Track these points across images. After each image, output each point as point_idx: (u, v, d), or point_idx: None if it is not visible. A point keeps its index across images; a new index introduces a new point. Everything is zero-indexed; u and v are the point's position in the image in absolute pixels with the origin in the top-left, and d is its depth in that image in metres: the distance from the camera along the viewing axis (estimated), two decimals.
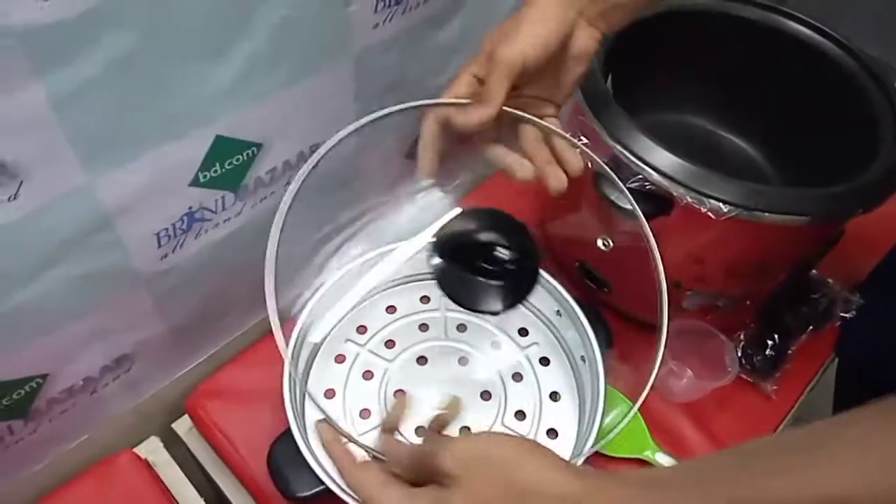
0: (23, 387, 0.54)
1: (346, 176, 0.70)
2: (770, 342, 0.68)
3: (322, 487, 0.53)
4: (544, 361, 0.65)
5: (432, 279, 0.53)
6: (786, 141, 0.72)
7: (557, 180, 0.49)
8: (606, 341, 0.62)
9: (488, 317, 0.68)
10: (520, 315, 0.68)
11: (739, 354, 0.68)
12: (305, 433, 0.60)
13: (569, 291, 0.64)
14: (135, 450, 0.65)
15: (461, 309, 0.69)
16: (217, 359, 0.71)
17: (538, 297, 0.67)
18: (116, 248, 0.52)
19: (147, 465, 0.63)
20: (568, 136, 0.50)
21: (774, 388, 0.67)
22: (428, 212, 0.55)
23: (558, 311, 0.65)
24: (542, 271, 0.65)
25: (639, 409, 0.66)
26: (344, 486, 0.54)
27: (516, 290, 0.54)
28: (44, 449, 0.61)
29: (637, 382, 0.52)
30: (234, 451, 0.63)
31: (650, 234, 0.51)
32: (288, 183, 0.63)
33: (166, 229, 0.55)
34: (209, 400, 0.66)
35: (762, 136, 0.76)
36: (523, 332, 0.68)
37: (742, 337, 0.69)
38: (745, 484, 0.32)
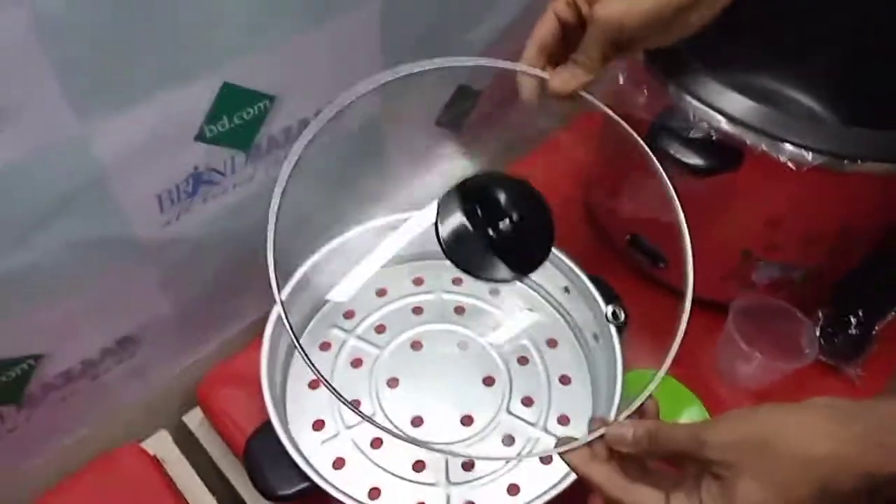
0: (13, 368, 0.48)
1: (371, 143, 0.63)
2: (854, 320, 0.60)
3: (307, 484, 0.47)
4: (551, 343, 0.59)
5: (441, 253, 0.46)
6: (863, 101, 0.64)
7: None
8: (623, 317, 0.55)
9: (489, 297, 0.63)
10: (522, 295, 0.62)
11: (818, 334, 0.60)
12: (286, 423, 0.53)
13: (578, 265, 0.57)
14: (142, 444, 0.59)
15: (458, 290, 0.63)
16: (233, 344, 0.65)
17: (542, 274, 0.60)
18: (114, 210, 0.46)
19: (154, 461, 0.57)
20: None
21: (859, 372, 0.59)
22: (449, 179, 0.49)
23: (566, 287, 0.59)
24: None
25: (703, 405, 0.59)
26: (331, 481, 0.47)
27: (526, 260, 0.48)
28: (41, 440, 0.55)
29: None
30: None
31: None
32: None
33: (169, 191, 0.49)
34: (221, 388, 0.60)
35: (835, 96, 0.68)
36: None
37: (820, 314, 0.61)
38: None
